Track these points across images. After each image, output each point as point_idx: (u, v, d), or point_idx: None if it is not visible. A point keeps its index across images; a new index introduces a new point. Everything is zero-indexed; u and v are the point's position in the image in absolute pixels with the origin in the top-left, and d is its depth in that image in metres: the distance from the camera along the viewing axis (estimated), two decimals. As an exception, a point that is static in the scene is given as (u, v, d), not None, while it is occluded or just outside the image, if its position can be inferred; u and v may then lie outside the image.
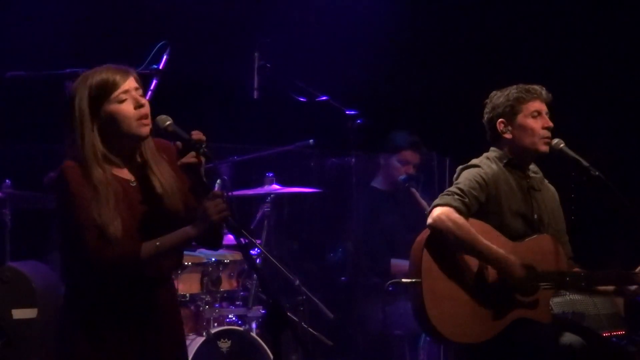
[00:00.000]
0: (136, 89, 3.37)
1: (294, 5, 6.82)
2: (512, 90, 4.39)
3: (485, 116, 4.46)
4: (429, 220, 4.18)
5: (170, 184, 3.43)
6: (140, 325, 3.39)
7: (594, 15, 7.05)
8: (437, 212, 4.16)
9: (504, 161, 4.39)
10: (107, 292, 3.36)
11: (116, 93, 3.34)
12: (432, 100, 7.14)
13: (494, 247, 4.16)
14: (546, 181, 4.55)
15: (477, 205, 4.25)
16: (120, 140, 3.37)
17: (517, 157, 4.39)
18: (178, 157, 3.38)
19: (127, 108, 3.34)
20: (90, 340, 3.34)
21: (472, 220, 4.22)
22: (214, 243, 3.60)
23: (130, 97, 3.35)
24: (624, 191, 4.31)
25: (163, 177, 3.42)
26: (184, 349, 3.62)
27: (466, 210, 4.19)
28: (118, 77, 3.35)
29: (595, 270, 4.41)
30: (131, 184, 3.39)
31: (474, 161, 4.41)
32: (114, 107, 3.34)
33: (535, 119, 4.35)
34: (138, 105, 3.35)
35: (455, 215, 4.14)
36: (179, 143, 3.36)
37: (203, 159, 3.35)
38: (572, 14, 7.07)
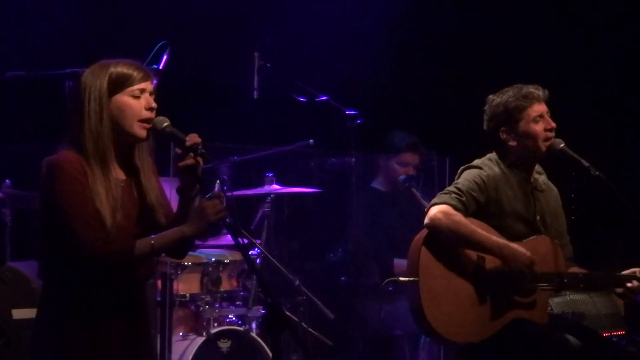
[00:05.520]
0: (151, 93, 3.39)
1: (294, 5, 6.82)
2: (509, 98, 4.34)
3: (485, 124, 4.43)
4: (426, 220, 4.18)
5: (156, 195, 3.44)
6: (119, 323, 3.37)
7: (594, 14, 7.05)
8: (434, 211, 4.17)
9: (507, 162, 4.38)
10: (90, 289, 3.32)
11: (133, 88, 3.35)
12: (433, 100, 7.15)
13: (494, 237, 4.16)
14: (549, 182, 4.55)
15: (475, 205, 4.25)
16: (118, 137, 3.37)
17: (522, 160, 4.39)
18: (176, 161, 3.38)
19: (138, 105, 3.35)
20: (73, 337, 3.31)
21: (472, 220, 4.22)
22: (181, 253, 3.60)
23: (144, 97, 3.37)
24: (624, 191, 4.31)
25: (151, 186, 3.43)
26: (152, 346, 3.65)
27: (463, 209, 4.19)
28: (141, 75, 3.38)
29: (594, 270, 4.41)
30: (120, 184, 3.39)
31: (476, 162, 4.41)
32: (126, 99, 3.35)
33: (538, 123, 4.34)
34: (149, 107, 3.37)
35: (452, 212, 4.15)
36: (177, 150, 3.36)
37: (201, 160, 3.35)
38: (572, 13, 7.07)
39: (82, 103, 3.34)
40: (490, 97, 4.43)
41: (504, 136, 4.37)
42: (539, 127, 4.33)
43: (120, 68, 3.37)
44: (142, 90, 3.37)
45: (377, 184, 6.36)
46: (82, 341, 3.31)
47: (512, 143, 4.37)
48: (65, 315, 3.32)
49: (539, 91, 4.37)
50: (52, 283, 3.39)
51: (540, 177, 4.49)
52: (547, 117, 4.36)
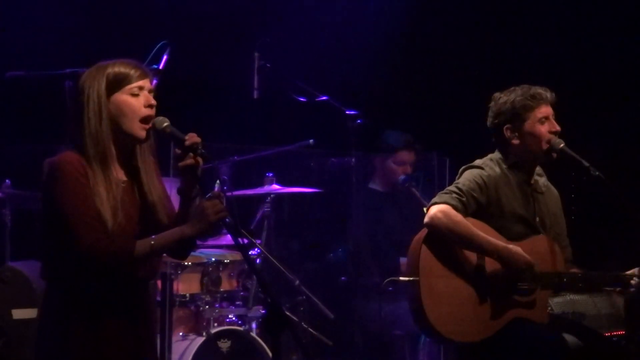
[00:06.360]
0: (150, 90, 3.39)
1: (294, 5, 6.82)
2: (517, 97, 4.35)
3: (489, 120, 4.44)
4: (426, 219, 4.19)
5: (158, 196, 3.44)
6: (121, 323, 3.38)
7: (594, 12, 7.05)
8: (434, 210, 4.17)
9: (509, 163, 4.38)
10: (92, 289, 3.33)
11: (131, 85, 3.35)
12: (433, 100, 7.14)
13: (493, 239, 4.16)
14: (550, 184, 4.55)
15: (476, 206, 4.25)
16: (118, 138, 3.37)
17: (523, 160, 4.39)
18: (176, 161, 3.38)
19: (137, 103, 3.35)
20: (76, 337, 3.32)
21: (471, 219, 4.23)
22: (183, 254, 3.60)
23: (143, 95, 3.37)
24: (623, 191, 4.31)
25: (153, 186, 3.43)
26: (154, 347, 3.65)
27: (463, 209, 4.19)
28: (138, 73, 3.37)
29: (593, 271, 4.41)
30: (121, 184, 3.39)
31: (477, 162, 4.41)
32: (125, 98, 3.35)
33: (544, 124, 4.34)
34: (148, 105, 3.37)
35: (452, 213, 4.15)
36: (177, 150, 3.36)
37: (200, 160, 3.35)
38: (572, 12, 7.06)
39: (81, 105, 3.34)
40: (497, 94, 4.43)
41: (508, 134, 4.38)
42: (543, 129, 4.34)
43: (117, 68, 3.37)
44: (141, 88, 3.37)
45: (375, 185, 6.36)
46: (85, 341, 3.32)
47: (515, 142, 4.37)
48: (67, 315, 3.33)
49: (547, 93, 4.37)
50: (54, 283, 3.39)
51: (541, 179, 4.49)
52: (552, 120, 4.36)
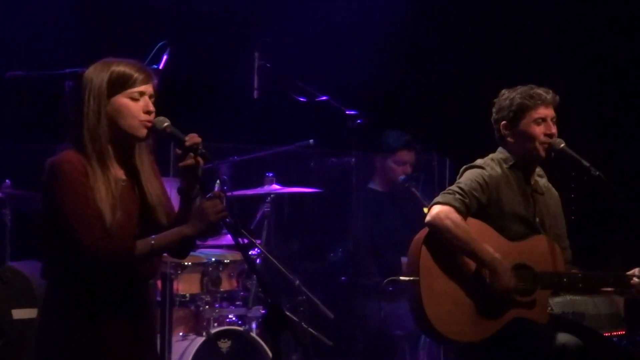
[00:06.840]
0: (151, 96, 3.39)
1: (294, 5, 6.82)
2: (517, 95, 4.35)
3: (492, 116, 4.46)
4: (428, 218, 4.18)
5: (156, 195, 3.44)
6: (121, 322, 3.38)
7: (595, 12, 7.05)
8: (437, 210, 4.17)
9: (509, 163, 4.38)
10: (93, 289, 3.33)
11: (133, 89, 3.35)
12: (433, 100, 7.15)
13: (490, 250, 4.15)
14: (550, 185, 4.54)
15: (477, 206, 4.25)
16: (117, 137, 3.37)
17: (521, 160, 4.39)
18: (177, 161, 3.38)
19: (137, 107, 3.35)
20: (76, 337, 3.32)
21: (471, 219, 4.23)
22: (183, 254, 3.60)
23: (143, 100, 3.36)
24: (623, 191, 4.31)
25: (151, 187, 3.43)
26: (154, 346, 3.66)
27: (466, 211, 4.19)
28: (142, 77, 3.37)
29: (593, 271, 4.41)
30: (122, 183, 3.39)
31: (479, 162, 4.41)
32: (125, 101, 3.34)
33: (539, 125, 4.33)
34: (147, 111, 3.36)
35: (454, 215, 4.15)
36: (178, 150, 3.36)
37: (201, 160, 3.35)
38: (572, 12, 7.07)
39: (82, 101, 3.34)
40: (503, 90, 4.45)
41: (503, 130, 4.39)
42: (538, 130, 4.33)
43: (122, 67, 3.37)
44: (142, 93, 3.36)
45: (375, 185, 6.37)
46: (85, 341, 3.32)
47: (510, 139, 4.38)
48: (68, 315, 3.33)
49: (548, 95, 4.36)
50: (55, 283, 3.39)
51: (542, 180, 4.49)
52: (550, 122, 4.35)
